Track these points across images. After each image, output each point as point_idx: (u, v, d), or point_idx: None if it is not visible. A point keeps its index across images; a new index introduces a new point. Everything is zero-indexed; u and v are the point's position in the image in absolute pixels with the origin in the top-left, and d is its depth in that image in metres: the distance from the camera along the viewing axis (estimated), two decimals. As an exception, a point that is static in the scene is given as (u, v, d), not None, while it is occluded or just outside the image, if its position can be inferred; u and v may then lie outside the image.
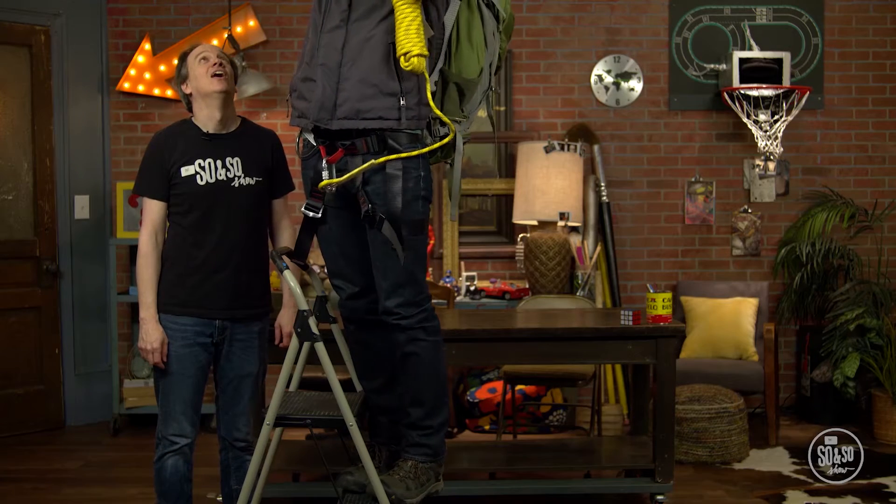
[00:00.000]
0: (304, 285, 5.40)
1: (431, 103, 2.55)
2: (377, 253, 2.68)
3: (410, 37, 2.44)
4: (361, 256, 2.76)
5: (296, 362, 2.86)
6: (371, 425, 2.97)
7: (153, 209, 3.11)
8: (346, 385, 3.05)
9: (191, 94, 3.16)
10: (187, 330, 3.10)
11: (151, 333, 3.06)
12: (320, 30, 2.66)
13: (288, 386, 2.93)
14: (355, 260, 2.80)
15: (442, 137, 2.69)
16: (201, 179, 3.08)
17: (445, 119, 2.61)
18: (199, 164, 3.09)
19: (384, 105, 2.58)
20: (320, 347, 2.83)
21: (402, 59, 2.46)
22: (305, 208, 2.72)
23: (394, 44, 2.52)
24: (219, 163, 3.11)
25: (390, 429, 2.91)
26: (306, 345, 2.81)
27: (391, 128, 2.60)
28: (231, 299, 3.12)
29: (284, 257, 2.90)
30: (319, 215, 2.72)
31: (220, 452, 3.29)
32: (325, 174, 2.67)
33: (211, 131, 3.14)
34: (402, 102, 2.58)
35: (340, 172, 2.65)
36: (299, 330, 2.82)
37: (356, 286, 2.83)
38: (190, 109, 3.20)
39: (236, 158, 3.14)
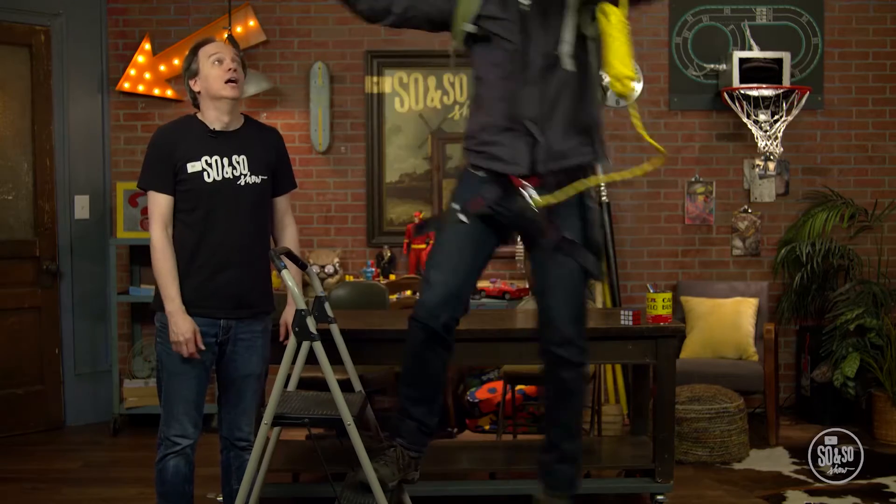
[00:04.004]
0: (305, 285, 5.41)
1: (643, 131, 2.59)
2: (565, 282, 2.71)
3: (625, 60, 2.51)
4: (472, 265, 2.78)
5: (294, 362, 2.86)
6: (395, 424, 2.92)
7: (162, 203, 3.06)
8: (345, 385, 3.05)
9: (198, 92, 3.14)
10: (193, 324, 3.07)
11: (182, 324, 3.02)
12: (510, 79, 2.67)
13: (286, 385, 2.94)
14: (467, 264, 2.78)
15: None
16: (208, 177, 3.06)
17: (659, 147, 2.61)
18: (206, 161, 3.07)
19: (584, 143, 2.69)
20: (318, 347, 2.84)
21: (616, 83, 2.52)
22: (461, 213, 2.74)
23: (586, 85, 2.63)
24: (225, 160, 3.10)
25: (417, 434, 2.88)
26: (305, 344, 2.82)
27: (588, 162, 2.72)
28: (235, 298, 3.11)
29: (283, 257, 2.90)
30: (467, 221, 2.74)
31: (220, 452, 3.28)
32: (532, 196, 2.67)
33: (217, 129, 3.13)
34: (596, 138, 2.71)
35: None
36: (297, 329, 2.82)
37: (449, 287, 2.76)
38: (195, 105, 3.18)
39: (242, 156, 3.13)
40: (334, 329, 3.14)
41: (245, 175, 3.12)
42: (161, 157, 3.08)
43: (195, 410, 3.12)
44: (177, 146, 3.07)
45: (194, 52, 3.16)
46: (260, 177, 3.15)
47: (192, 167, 3.06)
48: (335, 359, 3.36)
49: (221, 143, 3.11)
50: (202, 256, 3.07)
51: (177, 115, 5.59)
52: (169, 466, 3.11)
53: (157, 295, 3.10)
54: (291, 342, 2.88)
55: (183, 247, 3.08)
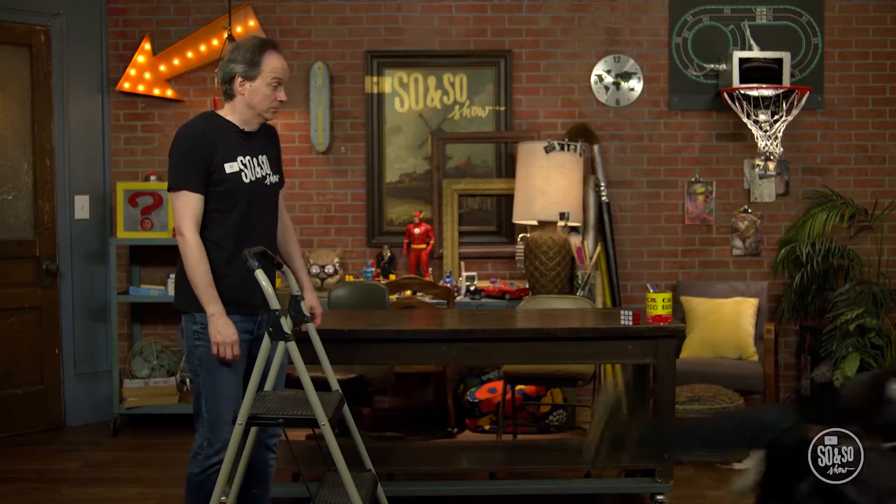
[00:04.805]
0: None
1: None
2: None
3: None
4: None
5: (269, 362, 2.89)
6: None
7: (196, 204, 3.00)
8: (321, 384, 3.06)
9: (241, 93, 3.08)
10: (235, 328, 3.04)
11: (228, 326, 2.96)
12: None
13: (263, 385, 2.96)
14: None
15: None
16: (246, 177, 3.06)
17: None
18: (242, 162, 3.07)
19: None
20: (293, 347, 2.85)
21: None
22: None
23: None
24: (255, 161, 3.11)
25: None
26: (282, 344, 2.84)
27: None
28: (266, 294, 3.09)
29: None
30: None
31: (254, 460, 3.23)
32: None
33: (247, 129, 3.14)
34: None
35: None
36: (271, 329, 2.83)
37: None
38: (228, 95, 3.11)
39: (264, 156, 3.16)
40: (311, 328, 3.15)
41: (269, 175, 3.16)
42: (197, 156, 3.01)
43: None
44: (214, 146, 3.03)
45: (259, 52, 3.07)
46: (277, 175, 3.22)
47: (230, 167, 3.04)
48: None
49: (249, 144, 3.12)
50: (240, 256, 3.01)
51: (177, 114, 5.66)
52: (212, 480, 3.00)
53: (191, 295, 3.01)
54: (266, 342, 2.89)
55: (220, 247, 3.04)
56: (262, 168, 3.13)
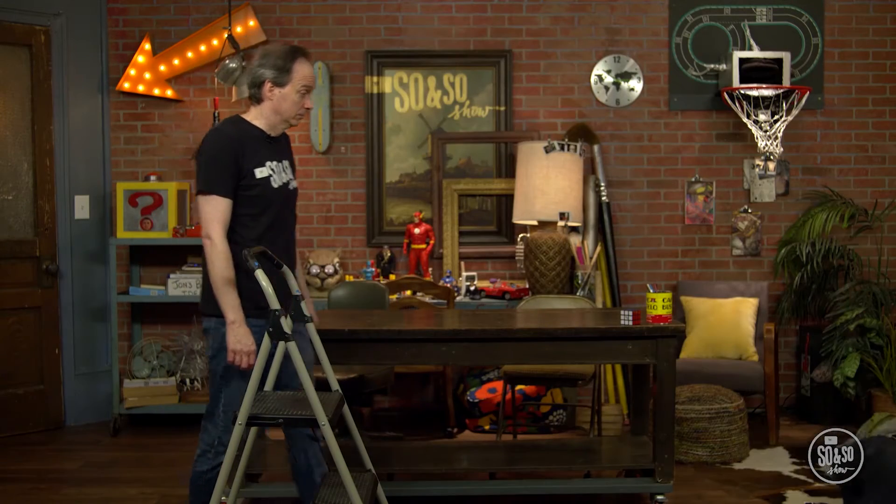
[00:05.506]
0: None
1: None
2: None
3: None
4: None
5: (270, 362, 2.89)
6: None
7: (225, 208, 3.01)
8: (321, 384, 3.06)
9: (270, 96, 3.10)
10: (263, 331, 3.02)
11: (248, 336, 2.97)
12: None
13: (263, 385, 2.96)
14: None
15: None
16: (274, 182, 3.10)
17: None
18: (270, 167, 3.10)
19: None
20: (292, 347, 2.85)
21: None
22: None
23: None
24: (280, 166, 3.15)
25: None
26: (281, 344, 2.84)
27: None
28: (291, 295, 3.13)
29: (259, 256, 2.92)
30: None
31: (292, 453, 3.26)
32: None
33: (272, 135, 3.17)
34: None
35: None
36: (271, 329, 2.83)
37: None
38: (256, 100, 3.12)
39: (287, 161, 3.21)
40: (311, 328, 3.16)
41: (291, 179, 3.22)
42: (230, 162, 3.02)
43: None
44: (245, 151, 3.04)
45: (291, 59, 3.09)
46: (296, 180, 3.27)
47: (261, 172, 3.07)
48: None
49: (274, 149, 3.16)
50: (266, 260, 3.02)
51: (177, 115, 5.67)
52: (222, 480, 3.01)
53: (215, 299, 3.01)
54: (266, 343, 2.89)
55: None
56: (286, 173, 3.18)
